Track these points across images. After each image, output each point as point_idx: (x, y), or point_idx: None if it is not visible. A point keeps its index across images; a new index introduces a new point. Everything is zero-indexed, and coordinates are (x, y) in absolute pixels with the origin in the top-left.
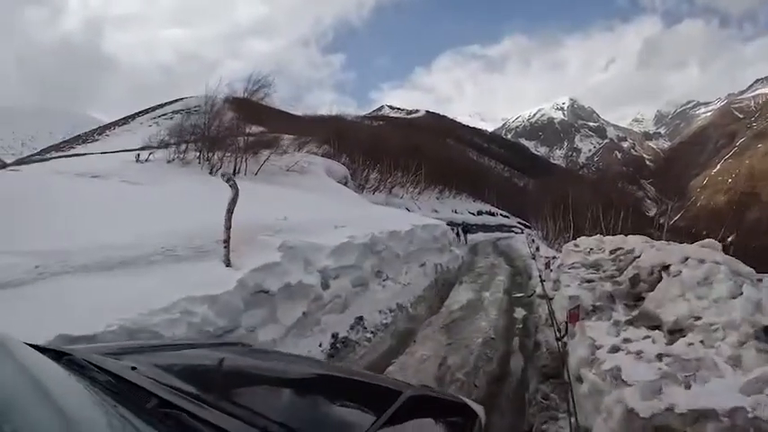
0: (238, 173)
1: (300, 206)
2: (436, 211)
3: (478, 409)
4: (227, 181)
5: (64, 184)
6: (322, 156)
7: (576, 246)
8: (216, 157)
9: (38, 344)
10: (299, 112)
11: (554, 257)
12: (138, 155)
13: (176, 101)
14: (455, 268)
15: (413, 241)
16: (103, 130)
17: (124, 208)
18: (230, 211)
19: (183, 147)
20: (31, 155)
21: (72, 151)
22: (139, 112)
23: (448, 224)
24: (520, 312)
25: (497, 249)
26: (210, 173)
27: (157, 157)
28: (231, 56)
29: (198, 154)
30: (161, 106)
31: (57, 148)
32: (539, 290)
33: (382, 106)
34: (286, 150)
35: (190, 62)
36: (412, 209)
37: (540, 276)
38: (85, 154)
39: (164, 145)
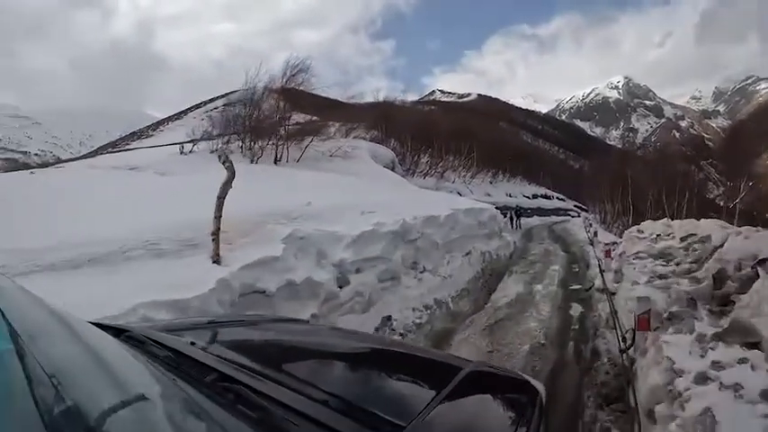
0: (280, 160)
1: (335, 191)
2: (489, 195)
3: (539, 386)
4: (223, 162)
5: (89, 178)
6: (370, 141)
7: (639, 231)
8: (257, 145)
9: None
10: (348, 100)
11: (614, 243)
12: (182, 147)
13: (227, 94)
14: (506, 256)
15: (455, 227)
16: (157, 125)
17: (137, 200)
18: (221, 198)
19: (226, 137)
20: (88, 153)
21: (126, 147)
22: (191, 107)
23: (500, 208)
24: (576, 309)
25: (553, 234)
26: (252, 161)
27: (201, 149)
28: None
29: (241, 144)
30: (212, 100)
31: (113, 144)
32: (598, 282)
33: (433, 91)
34: (332, 136)
35: (240, 56)
36: (464, 193)
37: (599, 266)
38: (137, 149)
39: (206, 136)
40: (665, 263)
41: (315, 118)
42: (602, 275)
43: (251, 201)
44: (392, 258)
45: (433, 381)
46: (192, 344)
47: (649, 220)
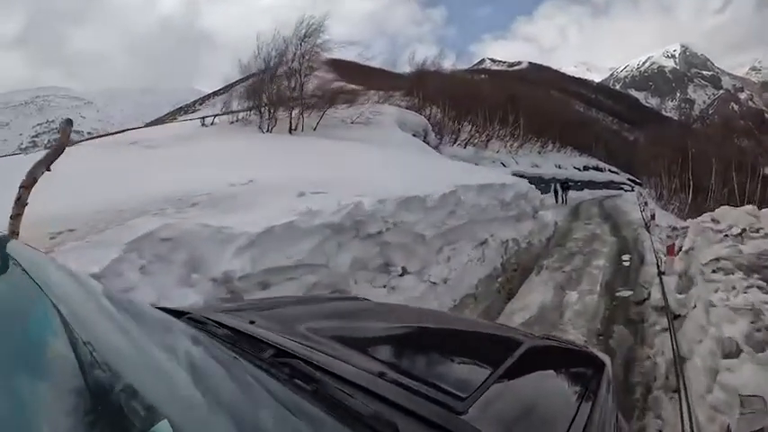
0: (296, 129)
1: (320, 164)
2: (537, 166)
3: (605, 359)
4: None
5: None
6: (406, 108)
7: (713, 221)
8: (271, 115)
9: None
10: (396, 70)
11: (676, 233)
12: (203, 119)
13: (294, 73)
14: (540, 243)
15: (456, 211)
16: (204, 100)
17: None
18: (27, 186)
19: (246, 107)
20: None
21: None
22: (236, 81)
23: (547, 181)
24: (620, 341)
25: (603, 211)
26: (264, 132)
27: (223, 120)
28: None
29: (259, 114)
30: (255, 74)
31: (160, 121)
32: (655, 293)
33: (483, 59)
34: (362, 104)
35: (288, 29)
36: (508, 164)
37: (657, 264)
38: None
39: (226, 108)
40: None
41: (359, 87)
42: (660, 281)
43: (168, 180)
44: (329, 265)
45: (494, 354)
46: (252, 322)
47: (725, 207)
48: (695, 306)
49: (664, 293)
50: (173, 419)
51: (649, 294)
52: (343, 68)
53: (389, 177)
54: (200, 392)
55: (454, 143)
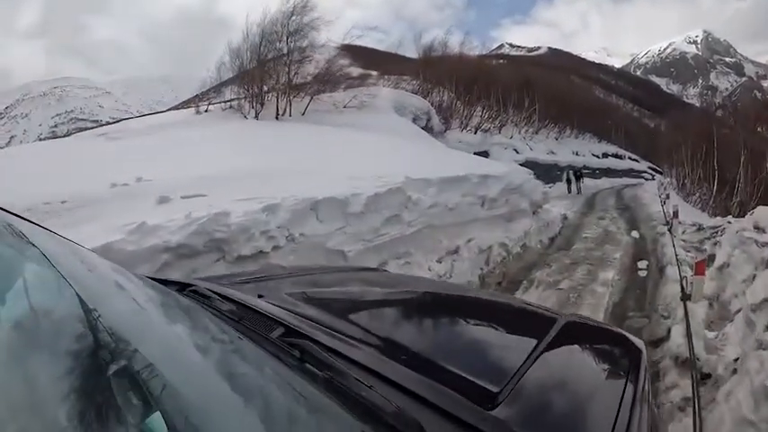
0: (283, 114)
1: (269, 153)
2: (553, 153)
3: (640, 344)
4: None
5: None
6: (412, 92)
7: (758, 230)
8: (254, 99)
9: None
10: (413, 55)
11: (700, 230)
12: (198, 107)
13: (282, 55)
14: (540, 246)
15: (401, 215)
16: (219, 87)
17: None
18: None
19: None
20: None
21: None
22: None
23: (563, 168)
24: None
25: (620, 202)
26: (255, 117)
27: (218, 106)
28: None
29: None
30: (269, 60)
31: (176, 108)
32: (677, 332)
33: (502, 44)
34: (350, 86)
35: (306, 14)
36: (521, 150)
37: (681, 284)
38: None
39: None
40: None
41: (369, 72)
42: (685, 312)
43: (53, 180)
44: None
45: (525, 337)
46: (260, 296)
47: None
48: (735, 371)
49: (689, 334)
50: (166, 410)
51: (669, 332)
52: (358, 54)
53: (334, 172)
54: (196, 371)
55: (465, 128)
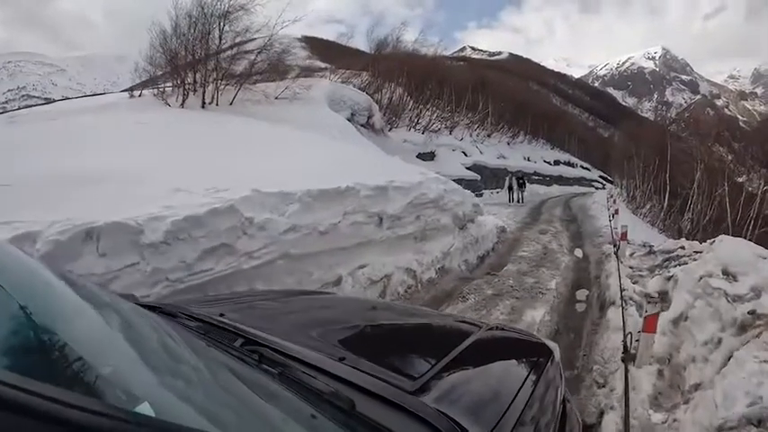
0: (210, 103)
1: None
2: (503, 158)
3: (552, 345)
4: None
5: None
6: (360, 88)
7: (728, 277)
8: (177, 87)
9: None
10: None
11: (650, 254)
12: (132, 90)
13: (267, 42)
14: (465, 268)
15: (234, 246)
16: (175, 70)
17: None
18: None
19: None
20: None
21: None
22: (229, 52)
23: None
24: None
25: (568, 213)
26: (181, 105)
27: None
28: None
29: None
30: (238, 45)
31: (131, 89)
32: (612, 421)
33: (464, 47)
34: (299, 76)
35: (278, 3)
36: (470, 153)
37: (624, 342)
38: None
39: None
40: None
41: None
42: (626, 385)
43: None
44: None
45: (447, 341)
46: (222, 315)
47: (736, 241)
48: None
49: (627, 421)
50: (152, 401)
51: (602, 414)
52: (318, 46)
53: (164, 179)
54: (174, 377)
55: (413, 127)
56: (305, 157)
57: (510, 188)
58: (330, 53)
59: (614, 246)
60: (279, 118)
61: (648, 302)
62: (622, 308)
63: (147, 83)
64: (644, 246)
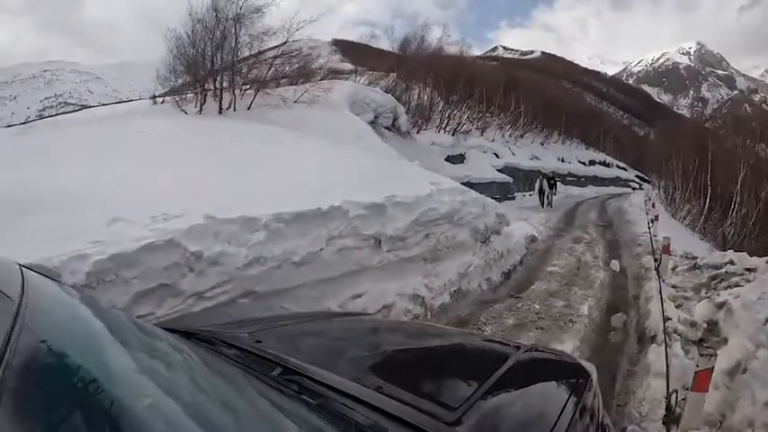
0: (228, 108)
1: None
2: (537, 159)
3: (590, 367)
4: None
5: None
6: (387, 89)
7: None
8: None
9: (165, 326)
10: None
11: (695, 268)
12: (155, 97)
13: (283, 44)
14: (486, 288)
15: (179, 286)
16: (208, 75)
17: None
18: None
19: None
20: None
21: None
22: (248, 57)
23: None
24: None
25: (603, 218)
26: (199, 111)
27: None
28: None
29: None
30: (271, 48)
31: (153, 97)
32: None
33: (496, 47)
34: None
35: (306, 7)
36: (502, 154)
37: (668, 401)
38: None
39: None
40: None
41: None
42: None
43: None
44: None
45: (484, 365)
46: (258, 342)
47: None
48: None
49: None
50: None
51: None
52: (347, 49)
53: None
54: (213, 409)
55: (443, 129)
56: (301, 169)
57: (541, 191)
58: (360, 56)
59: (655, 260)
60: (293, 123)
61: (701, 354)
62: (666, 348)
63: (179, 90)
64: (687, 257)
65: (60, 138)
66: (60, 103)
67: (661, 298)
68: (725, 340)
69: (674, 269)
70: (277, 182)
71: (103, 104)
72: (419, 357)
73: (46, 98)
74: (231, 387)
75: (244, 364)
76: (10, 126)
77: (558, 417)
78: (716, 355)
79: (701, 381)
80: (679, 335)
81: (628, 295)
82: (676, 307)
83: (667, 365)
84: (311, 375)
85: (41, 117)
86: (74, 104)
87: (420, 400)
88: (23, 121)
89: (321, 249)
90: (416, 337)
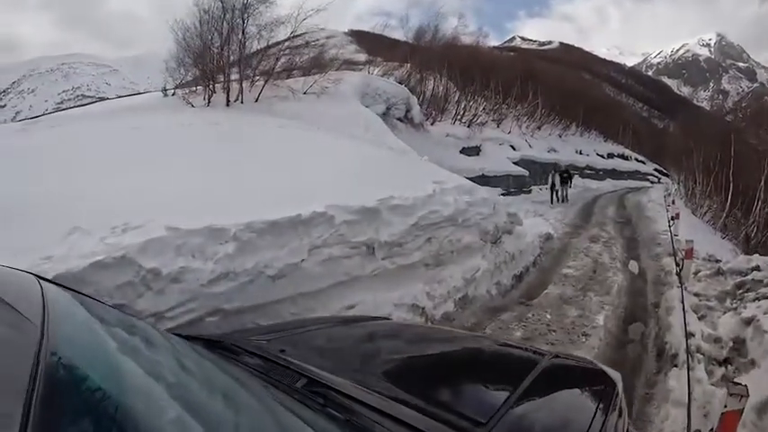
0: (236, 101)
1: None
2: (555, 151)
3: (615, 376)
4: None
5: None
6: (401, 80)
7: None
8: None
9: (189, 334)
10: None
11: (718, 274)
12: (165, 90)
13: (296, 36)
14: (493, 294)
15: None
16: (229, 65)
17: None
18: None
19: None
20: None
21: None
22: (264, 47)
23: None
24: None
25: (621, 213)
26: (207, 103)
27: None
28: None
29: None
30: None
31: (164, 89)
32: None
33: (514, 37)
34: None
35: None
36: (518, 146)
37: None
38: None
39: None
40: None
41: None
42: None
43: None
44: None
45: (511, 375)
46: (282, 351)
47: None
48: None
49: None
50: None
51: None
52: (363, 39)
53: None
54: (236, 423)
55: (458, 120)
56: (293, 167)
57: (552, 186)
58: (376, 46)
59: (676, 264)
60: (300, 115)
61: (731, 393)
62: (688, 374)
63: (190, 82)
64: (709, 260)
65: (51, 136)
66: (78, 96)
67: (684, 314)
68: (752, 362)
69: (695, 274)
70: (265, 182)
71: (120, 96)
72: (446, 366)
73: (64, 91)
74: (254, 400)
75: (267, 375)
76: (22, 120)
77: (589, 427)
78: (747, 395)
79: (729, 423)
80: (702, 354)
81: (647, 303)
82: (699, 318)
83: (689, 391)
84: (337, 387)
85: (58, 110)
86: (91, 97)
87: (448, 415)
88: (39, 114)
89: (302, 260)
90: (442, 343)
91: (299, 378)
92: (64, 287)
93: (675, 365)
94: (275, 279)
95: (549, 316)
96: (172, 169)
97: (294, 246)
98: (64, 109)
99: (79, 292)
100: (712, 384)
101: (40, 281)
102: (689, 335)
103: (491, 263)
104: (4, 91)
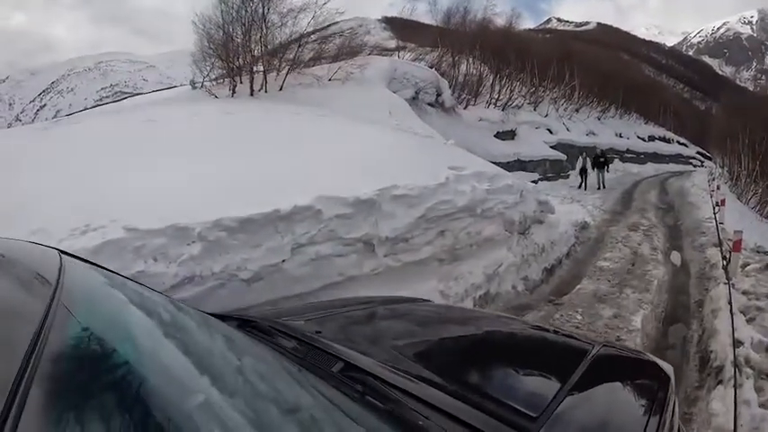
0: (260, 90)
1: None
2: (594, 134)
3: (669, 369)
4: None
5: None
6: (432, 64)
7: None
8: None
9: (222, 313)
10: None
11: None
12: (193, 82)
13: (333, 24)
14: (518, 290)
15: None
16: (257, 59)
17: None
18: None
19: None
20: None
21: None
22: (296, 38)
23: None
24: None
25: (663, 199)
26: (233, 93)
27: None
28: None
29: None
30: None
31: (192, 82)
32: None
33: (550, 19)
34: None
35: None
36: (555, 130)
37: None
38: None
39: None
40: None
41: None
42: None
43: None
44: None
45: (561, 365)
46: (318, 332)
47: None
48: None
49: None
50: None
51: None
52: (396, 25)
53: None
54: (267, 409)
55: (493, 104)
56: (301, 155)
57: (583, 170)
58: (409, 32)
59: (723, 257)
60: (323, 102)
61: None
62: (735, 396)
63: (218, 75)
64: (758, 251)
65: (65, 133)
66: (116, 93)
67: (732, 318)
68: None
69: (743, 267)
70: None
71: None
72: (492, 354)
73: (102, 88)
74: (284, 383)
75: (301, 358)
76: (56, 117)
77: (646, 424)
78: None
79: None
80: (751, 368)
81: (690, 301)
82: (748, 321)
83: (735, 424)
84: (377, 374)
85: (97, 106)
86: (129, 93)
87: (499, 408)
88: (77, 111)
89: (283, 261)
90: (487, 328)
91: (336, 362)
92: (84, 260)
93: (720, 382)
94: (250, 282)
95: (579, 317)
96: (158, 164)
97: (272, 245)
98: (99, 105)
99: (112, 271)
100: (762, 406)
101: (61, 254)
102: (738, 342)
103: (518, 256)
104: (44, 91)
